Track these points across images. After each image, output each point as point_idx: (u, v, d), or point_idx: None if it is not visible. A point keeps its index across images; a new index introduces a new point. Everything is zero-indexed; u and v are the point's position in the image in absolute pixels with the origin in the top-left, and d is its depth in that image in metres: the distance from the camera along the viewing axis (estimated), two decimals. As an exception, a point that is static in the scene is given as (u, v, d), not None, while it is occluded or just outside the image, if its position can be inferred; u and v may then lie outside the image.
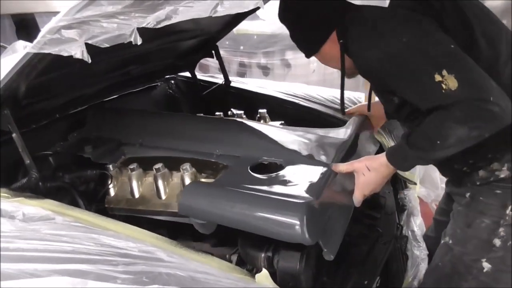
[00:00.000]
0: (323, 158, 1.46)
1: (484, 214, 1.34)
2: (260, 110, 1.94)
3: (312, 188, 1.26)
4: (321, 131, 1.66)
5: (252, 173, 1.37)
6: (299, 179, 1.32)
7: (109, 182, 1.52)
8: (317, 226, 1.15)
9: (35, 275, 0.91)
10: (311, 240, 1.11)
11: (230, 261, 1.31)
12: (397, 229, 1.87)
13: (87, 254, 1.00)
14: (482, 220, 1.34)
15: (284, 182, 1.31)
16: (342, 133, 1.64)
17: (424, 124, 1.23)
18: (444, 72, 1.14)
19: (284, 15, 1.45)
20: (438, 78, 1.15)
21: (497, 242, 1.32)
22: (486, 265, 1.34)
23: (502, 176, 1.30)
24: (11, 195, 1.29)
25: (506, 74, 1.28)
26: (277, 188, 1.26)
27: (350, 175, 1.41)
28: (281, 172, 1.37)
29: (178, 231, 1.45)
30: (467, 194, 1.38)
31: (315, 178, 1.32)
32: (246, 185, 1.28)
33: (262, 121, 1.90)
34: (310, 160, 1.44)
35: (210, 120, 1.83)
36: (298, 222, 1.12)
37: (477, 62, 1.24)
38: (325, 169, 1.38)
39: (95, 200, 1.54)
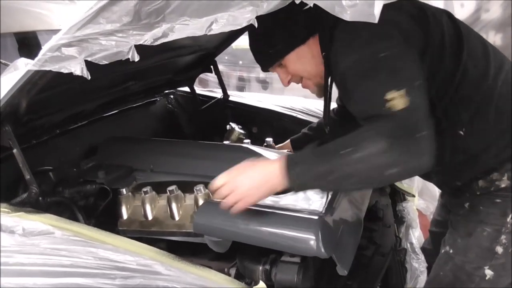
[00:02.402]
0: None
1: (485, 223, 1.33)
2: (266, 139, 1.96)
3: (325, 205, 1.29)
4: None
5: None
6: (311, 198, 1.36)
7: (109, 196, 1.54)
8: (331, 240, 1.19)
9: (34, 289, 0.93)
10: (326, 253, 1.15)
11: (229, 274, 1.32)
12: (395, 241, 1.87)
13: (85, 268, 1.01)
14: (483, 228, 1.33)
15: (296, 200, 1.33)
16: None
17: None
18: (401, 92, 1.07)
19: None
20: (389, 95, 1.07)
21: (500, 249, 1.32)
22: (489, 272, 1.34)
23: (503, 185, 1.29)
24: (12, 210, 1.30)
25: (498, 89, 1.28)
26: (289, 205, 1.29)
27: (361, 193, 1.42)
28: (293, 192, 1.39)
29: (176, 244, 1.46)
30: (466, 204, 1.37)
31: (326, 196, 1.35)
32: (260, 203, 1.30)
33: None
34: None
35: (217, 146, 1.88)
36: (313, 237, 1.15)
37: (463, 80, 1.25)
38: None
39: (94, 214, 1.56)
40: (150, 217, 1.47)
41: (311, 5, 0.99)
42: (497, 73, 1.30)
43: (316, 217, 1.21)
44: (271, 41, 1.31)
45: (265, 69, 1.38)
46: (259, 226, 1.22)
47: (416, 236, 2.09)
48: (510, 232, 1.31)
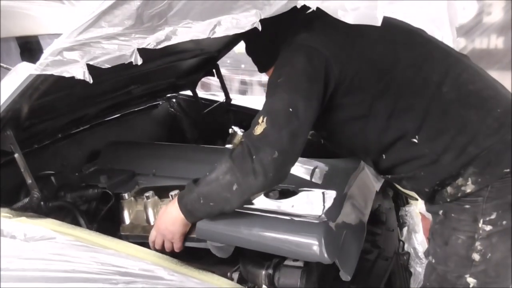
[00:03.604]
0: (335, 185, 1.48)
1: (458, 230, 1.32)
2: None
3: (328, 210, 1.29)
4: (331, 161, 1.70)
5: (267, 198, 1.38)
6: (314, 202, 1.36)
7: (111, 201, 1.53)
8: (334, 245, 1.18)
9: (35, 295, 0.92)
10: (329, 259, 1.15)
11: (232, 279, 1.31)
12: (399, 245, 1.86)
13: (87, 273, 1.01)
14: (457, 236, 1.32)
15: (300, 205, 1.33)
16: (352, 163, 1.68)
17: None
18: (265, 120, 1.20)
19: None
20: (260, 120, 1.21)
21: (476, 256, 1.30)
22: (471, 280, 1.31)
23: (468, 191, 1.28)
24: (13, 215, 1.30)
25: (445, 95, 1.30)
26: (293, 211, 1.29)
27: (364, 197, 1.40)
28: (296, 196, 1.40)
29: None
30: (440, 212, 1.36)
31: (329, 201, 1.35)
32: (263, 208, 1.31)
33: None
34: (322, 186, 1.47)
35: (220, 150, 1.88)
36: (316, 242, 1.15)
37: (401, 91, 1.29)
38: (338, 192, 1.41)
39: (96, 219, 1.55)
40: (152, 222, 1.46)
41: (314, 9, 0.99)
42: (441, 79, 1.30)
43: (319, 222, 1.21)
44: (252, 57, 1.50)
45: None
46: (262, 232, 1.22)
47: (419, 241, 2.08)
48: (485, 238, 1.29)
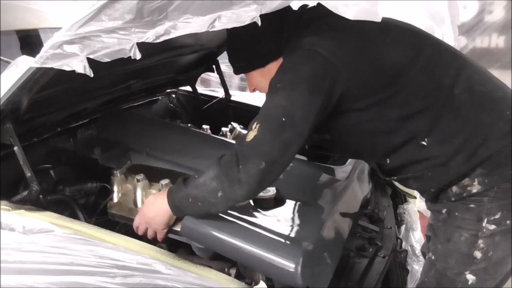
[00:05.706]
0: (322, 198, 1.50)
1: (461, 228, 1.33)
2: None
3: (310, 232, 1.29)
4: (322, 168, 1.71)
5: (255, 206, 1.39)
6: (299, 220, 1.37)
7: (110, 196, 1.54)
8: (311, 270, 1.19)
9: None
10: (303, 284, 1.15)
11: (229, 274, 1.31)
12: (396, 243, 1.86)
13: (85, 266, 1.01)
14: (460, 234, 1.33)
15: (284, 221, 1.34)
16: (342, 173, 1.69)
17: None
18: (258, 127, 1.19)
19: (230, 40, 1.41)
20: (253, 125, 1.20)
21: (478, 254, 1.31)
22: (470, 277, 1.33)
23: (474, 191, 1.29)
24: (12, 208, 1.30)
25: (457, 96, 1.29)
26: (277, 227, 1.28)
27: (348, 211, 1.42)
28: (282, 209, 1.40)
29: (177, 243, 1.45)
30: (444, 210, 1.37)
31: (313, 220, 1.36)
32: (249, 218, 1.31)
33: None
34: (309, 198, 1.48)
35: (217, 140, 1.87)
36: (293, 265, 1.15)
37: (411, 93, 1.27)
38: (323, 208, 1.42)
39: (95, 212, 1.55)
40: (139, 205, 1.46)
41: (315, 4, 0.99)
42: (453, 82, 1.29)
43: (299, 246, 1.21)
44: (236, 57, 1.42)
45: (235, 73, 1.48)
46: (243, 244, 1.21)
47: (417, 239, 2.09)
48: (488, 237, 1.30)
